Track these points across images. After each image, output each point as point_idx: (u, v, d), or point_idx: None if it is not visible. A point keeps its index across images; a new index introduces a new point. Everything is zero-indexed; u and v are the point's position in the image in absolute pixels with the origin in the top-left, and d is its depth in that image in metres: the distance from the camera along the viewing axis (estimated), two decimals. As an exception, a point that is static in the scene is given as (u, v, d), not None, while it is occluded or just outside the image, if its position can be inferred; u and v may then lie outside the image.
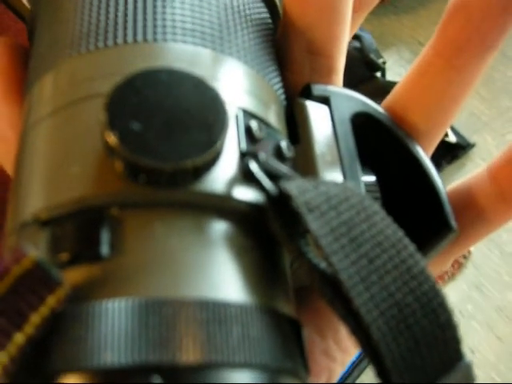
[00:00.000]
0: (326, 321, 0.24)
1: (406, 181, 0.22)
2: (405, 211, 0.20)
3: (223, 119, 0.15)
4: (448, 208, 0.21)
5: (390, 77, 1.45)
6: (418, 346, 0.14)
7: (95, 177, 0.15)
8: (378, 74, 1.43)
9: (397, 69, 1.52)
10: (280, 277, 0.17)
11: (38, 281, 0.14)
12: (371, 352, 0.14)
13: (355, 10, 0.23)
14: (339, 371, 0.24)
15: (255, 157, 0.16)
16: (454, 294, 1.23)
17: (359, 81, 1.35)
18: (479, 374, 1.13)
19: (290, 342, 0.16)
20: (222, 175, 0.16)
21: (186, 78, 0.16)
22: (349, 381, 0.99)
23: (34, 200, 0.16)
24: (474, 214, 0.22)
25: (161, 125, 0.15)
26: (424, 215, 0.21)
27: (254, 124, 0.17)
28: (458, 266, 1.25)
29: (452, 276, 1.25)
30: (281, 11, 0.23)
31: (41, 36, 0.21)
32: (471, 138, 1.40)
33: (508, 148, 0.21)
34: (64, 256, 0.15)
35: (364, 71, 1.38)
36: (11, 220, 0.17)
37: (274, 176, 0.16)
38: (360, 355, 1.00)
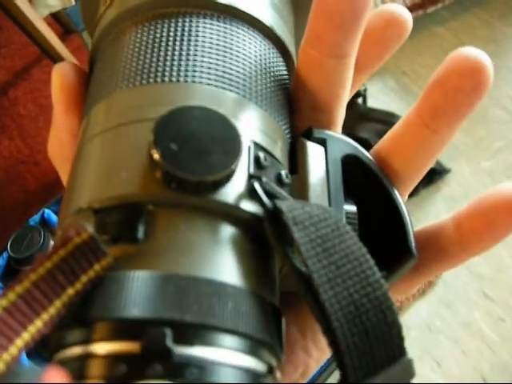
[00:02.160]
0: (307, 323, 0.27)
1: (381, 214, 0.25)
2: (377, 238, 0.23)
3: (238, 148, 0.20)
4: (411, 238, 0.24)
5: (373, 103, 1.49)
6: (368, 338, 0.18)
7: (139, 181, 0.19)
8: (360, 100, 1.48)
9: (381, 96, 1.58)
10: (269, 273, 0.21)
11: (90, 250, 0.18)
12: (330, 337, 0.18)
13: (358, 71, 0.26)
14: (314, 367, 0.28)
15: (259, 179, 0.21)
16: (424, 309, 1.27)
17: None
18: (443, 384, 1.17)
19: (270, 323, 0.19)
20: (233, 190, 0.20)
21: (213, 115, 0.20)
22: (319, 381, 1.03)
23: (89, 193, 0.20)
24: (436, 251, 0.26)
25: (192, 148, 0.19)
26: (392, 243, 0.25)
27: (261, 154, 0.21)
28: (429, 283, 1.29)
29: (423, 293, 1.29)
30: (296, 63, 0.27)
31: (100, 70, 0.26)
32: (448, 164, 1.44)
33: (472, 202, 0.25)
34: (109, 236, 0.19)
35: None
36: (67, 206, 0.21)
37: (271, 195, 0.20)
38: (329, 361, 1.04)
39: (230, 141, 0.20)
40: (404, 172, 0.26)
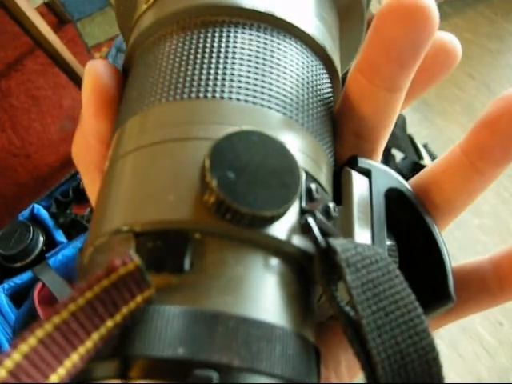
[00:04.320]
0: (330, 354, 0.27)
1: (420, 251, 0.25)
2: (414, 275, 0.22)
3: (296, 182, 0.19)
4: (451, 281, 0.24)
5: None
6: None
7: (189, 207, 0.18)
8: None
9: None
10: (311, 311, 0.21)
11: (134, 281, 0.17)
12: None
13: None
14: None
15: (313, 214, 0.20)
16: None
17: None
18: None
19: (312, 365, 0.19)
20: (286, 225, 0.19)
21: (270, 142, 0.19)
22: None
23: (128, 214, 0.19)
24: (471, 292, 0.25)
25: (249, 178, 0.18)
26: (430, 282, 0.24)
27: (313, 186, 0.20)
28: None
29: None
30: (340, 79, 0.27)
31: (138, 76, 0.24)
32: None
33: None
34: (150, 263, 0.18)
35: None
36: (100, 224, 0.20)
37: (323, 232, 0.20)
38: None
39: (288, 173, 0.19)
40: (444, 208, 0.25)
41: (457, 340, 1.22)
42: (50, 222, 1.16)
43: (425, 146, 1.39)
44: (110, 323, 0.16)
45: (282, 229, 0.19)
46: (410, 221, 0.25)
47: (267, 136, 0.19)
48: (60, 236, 1.15)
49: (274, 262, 0.19)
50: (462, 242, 1.35)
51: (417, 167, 1.32)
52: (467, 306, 0.25)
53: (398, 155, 1.36)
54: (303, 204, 0.20)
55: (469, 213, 1.38)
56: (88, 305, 0.16)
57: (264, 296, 0.18)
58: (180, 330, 0.16)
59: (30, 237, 1.10)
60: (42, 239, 1.13)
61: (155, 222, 0.18)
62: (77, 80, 1.47)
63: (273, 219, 0.18)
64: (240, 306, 0.17)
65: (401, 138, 1.34)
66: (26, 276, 1.08)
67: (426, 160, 1.36)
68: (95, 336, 0.16)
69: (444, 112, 1.58)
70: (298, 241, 0.19)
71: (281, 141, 0.19)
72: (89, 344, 0.16)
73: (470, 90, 1.59)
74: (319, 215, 0.20)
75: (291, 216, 0.19)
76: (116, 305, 0.17)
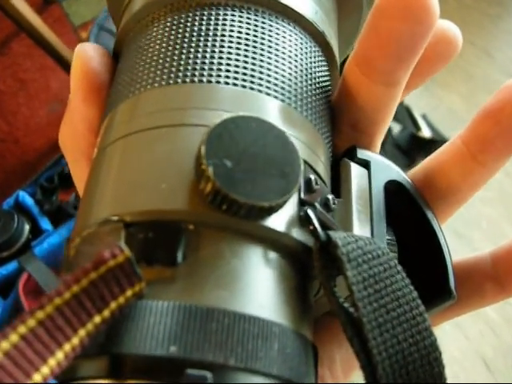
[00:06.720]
0: (325, 351, 0.26)
1: (420, 245, 0.24)
2: (414, 271, 0.21)
3: (297, 172, 0.18)
4: (453, 278, 0.23)
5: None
6: None
7: (183, 196, 0.18)
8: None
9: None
10: (309, 308, 0.20)
11: (123, 274, 0.16)
12: None
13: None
14: None
15: (313, 206, 0.19)
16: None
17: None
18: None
19: (310, 364, 0.19)
20: (285, 217, 0.18)
21: (269, 129, 0.18)
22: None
23: (118, 203, 0.18)
24: (472, 288, 0.25)
25: (247, 166, 0.17)
26: (430, 279, 0.23)
27: (312, 176, 0.20)
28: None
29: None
30: (338, 64, 0.26)
31: (129, 60, 0.23)
32: (449, 133, 1.40)
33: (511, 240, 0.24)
34: (140, 255, 0.17)
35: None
36: (88, 214, 0.19)
37: (323, 225, 0.19)
38: None
39: (288, 162, 0.18)
40: (444, 201, 0.25)
41: (462, 320, 1.18)
42: (35, 209, 1.13)
43: (423, 117, 1.36)
44: (97, 319, 0.16)
45: (280, 221, 0.18)
46: (409, 214, 0.25)
47: (267, 122, 0.18)
48: (46, 223, 1.12)
49: (272, 255, 0.19)
50: (466, 216, 1.31)
51: (415, 139, 1.30)
52: (468, 302, 0.25)
53: (396, 127, 1.33)
54: (303, 195, 0.19)
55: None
56: (74, 299, 0.16)
57: (261, 291, 0.18)
58: (172, 327, 0.16)
59: (15, 225, 1.07)
60: (27, 227, 1.10)
61: (147, 211, 0.18)
62: (64, 62, 1.43)
63: (271, 210, 0.18)
64: (236, 301, 0.17)
65: (398, 108, 1.31)
66: (11, 266, 1.05)
67: (424, 131, 1.33)
68: (82, 332, 0.16)
69: (443, 81, 1.54)
70: (297, 233, 0.19)
71: (281, 128, 0.18)
72: (75, 341, 0.15)
73: (469, 57, 1.56)
74: (319, 207, 0.20)
75: (290, 207, 0.19)
76: (104, 299, 0.16)
